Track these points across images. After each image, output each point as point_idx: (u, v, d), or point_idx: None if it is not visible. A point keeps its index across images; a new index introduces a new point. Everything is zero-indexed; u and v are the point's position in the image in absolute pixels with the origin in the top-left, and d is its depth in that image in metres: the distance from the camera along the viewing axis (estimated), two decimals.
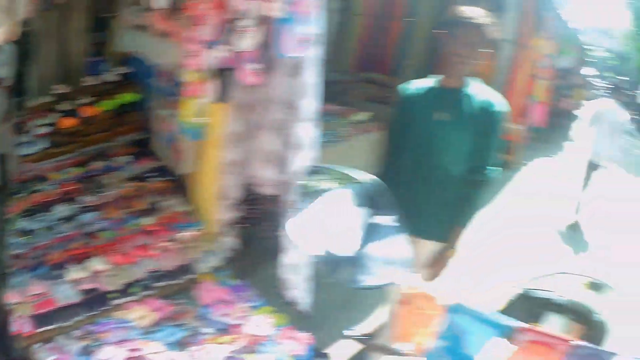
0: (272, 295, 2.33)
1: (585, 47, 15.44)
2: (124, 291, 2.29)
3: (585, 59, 17.44)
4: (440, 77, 1.99)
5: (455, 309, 0.93)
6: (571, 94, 15.52)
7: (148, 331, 2.13)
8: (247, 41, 1.89)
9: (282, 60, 1.96)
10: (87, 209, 2.73)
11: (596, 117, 4.97)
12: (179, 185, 2.91)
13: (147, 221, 2.68)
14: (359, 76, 6.52)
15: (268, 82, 2.05)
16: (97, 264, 2.35)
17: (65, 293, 2.21)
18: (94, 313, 2.16)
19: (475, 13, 1.87)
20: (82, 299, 2.20)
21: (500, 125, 1.93)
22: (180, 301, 2.38)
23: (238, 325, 2.20)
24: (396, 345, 0.95)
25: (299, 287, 2.26)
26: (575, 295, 1.34)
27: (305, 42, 1.84)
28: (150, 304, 2.26)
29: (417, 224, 1.92)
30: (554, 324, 1.26)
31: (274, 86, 2.04)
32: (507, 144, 6.77)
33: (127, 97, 3.31)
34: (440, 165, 1.95)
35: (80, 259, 2.38)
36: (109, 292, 2.26)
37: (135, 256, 2.45)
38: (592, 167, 4.96)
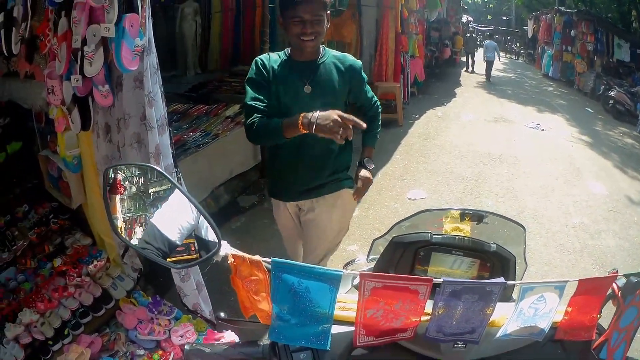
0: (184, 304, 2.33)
1: None
2: (59, 335, 2.35)
3: (460, 8, 18.37)
4: (291, 50, 1.98)
5: (281, 269, 0.87)
6: (451, 43, 16.34)
7: None
8: (94, 66, 1.91)
9: (126, 75, 1.98)
10: (3, 267, 2.70)
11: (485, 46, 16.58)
12: (78, 220, 2.89)
13: (57, 262, 2.68)
14: (228, 71, 6.47)
15: (120, 100, 2.07)
16: (27, 317, 2.35)
17: (11, 352, 2.23)
18: None
19: None
20: (27, 353, 2.25)
21: (362, 76, 2.05)
22: (108, 331, 2.44)
23: (166, 339, 2.32)
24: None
25: (193, 294, 2.26)
26: (455, 230, 1.23)
27: (141, 54, 1.88)
28: (83, 341, 2.31)
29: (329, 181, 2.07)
30: (447, 263, 1.17)
31: (125, 102, 2.05)
32: (391, 103, 7.12)
33: (13, 146, 3.21)
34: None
35: (11, 316, 2.39)
36: (48, 340, 2.31)
37: (57, 299, 2.47)
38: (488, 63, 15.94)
